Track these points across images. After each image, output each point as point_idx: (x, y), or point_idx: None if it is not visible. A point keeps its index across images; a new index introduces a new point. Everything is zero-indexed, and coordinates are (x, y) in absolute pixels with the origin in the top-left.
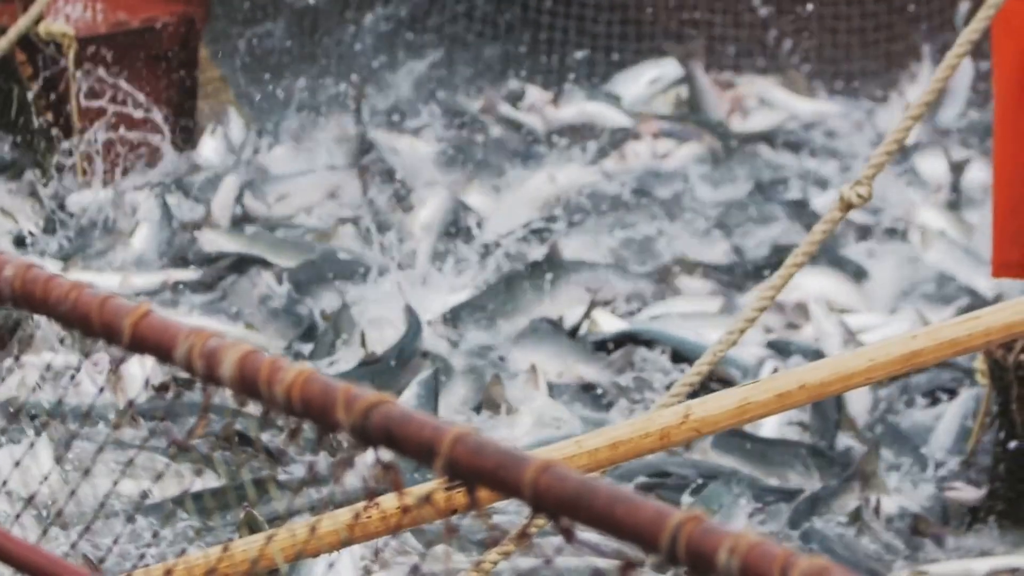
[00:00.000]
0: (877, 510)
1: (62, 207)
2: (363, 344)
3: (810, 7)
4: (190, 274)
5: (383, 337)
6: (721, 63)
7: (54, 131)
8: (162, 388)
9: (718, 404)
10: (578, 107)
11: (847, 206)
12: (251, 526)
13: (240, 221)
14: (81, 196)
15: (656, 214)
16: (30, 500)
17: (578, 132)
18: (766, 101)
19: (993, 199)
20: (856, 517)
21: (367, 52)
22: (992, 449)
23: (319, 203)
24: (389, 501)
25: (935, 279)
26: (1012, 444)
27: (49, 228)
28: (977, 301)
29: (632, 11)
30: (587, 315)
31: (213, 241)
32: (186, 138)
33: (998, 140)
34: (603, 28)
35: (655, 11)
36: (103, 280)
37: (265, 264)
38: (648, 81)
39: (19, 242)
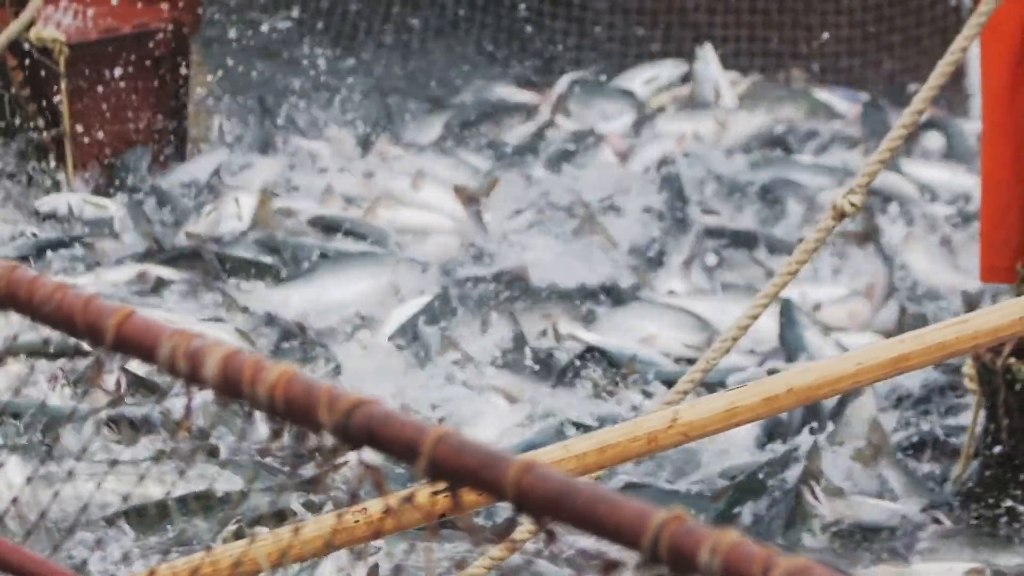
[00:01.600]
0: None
1: (49, 210)
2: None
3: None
4: (164, 271)
5: (348, 351)
6: (724, 62)
7: (45, 136)
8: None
9: (706, 408)
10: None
11: (840, 214)
12: (237, 537)
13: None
14: (62, 200)
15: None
16: (13, 502)
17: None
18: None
19: (981, 205)
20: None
21: (364, 53)
22: (980, 453)
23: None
24: (374, 505)
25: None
26: (997, 448)
27: (39, 231)
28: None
29: (633, 14)
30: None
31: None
32: (176, 143)
33: (986, 146)
34: (604, 31)
35: (656, 12)
36: (79, 279)
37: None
38: (644, 80)
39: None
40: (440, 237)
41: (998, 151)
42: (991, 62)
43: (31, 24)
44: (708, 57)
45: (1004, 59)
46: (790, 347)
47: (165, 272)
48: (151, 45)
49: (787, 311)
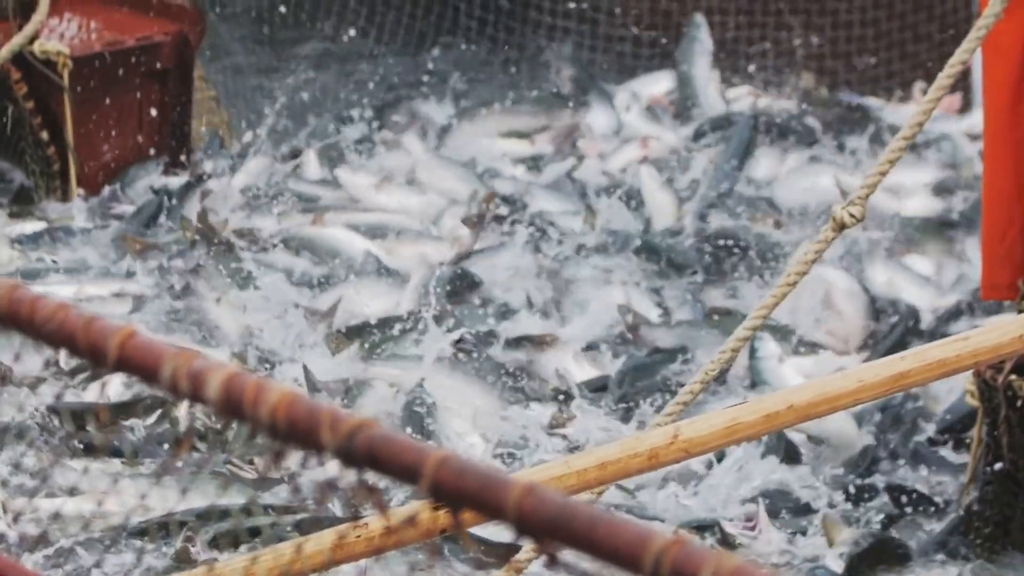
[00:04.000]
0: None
1: (18, 236)
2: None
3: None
4: (136, 287)
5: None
6: (733, 64)
7: (49, 149)
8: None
9: (707, 424)
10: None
11: (840, 226)
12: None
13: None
14: (29, 225)
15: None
16: (15, 520)
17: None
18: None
19: (982, 221)
20: None
21: (366, 67)
22: (980, 470)
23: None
24: (374, 521)
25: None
26: (998, 465)
27: (42, 244)
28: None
29: (647, 15)
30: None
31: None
32: (179, 156)
33: (987, 162)
34: (616, 32)
35: (668, 13)
36: (58, 290)
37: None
38: (654, 92)
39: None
40: (419, 247)
41: (999, 166)
42: (992, 77)
43: (35, 37)
44: (700, 25)
45: (1005, 74)
46: (756, 377)
47: (136, 289)
48: (155, 58)
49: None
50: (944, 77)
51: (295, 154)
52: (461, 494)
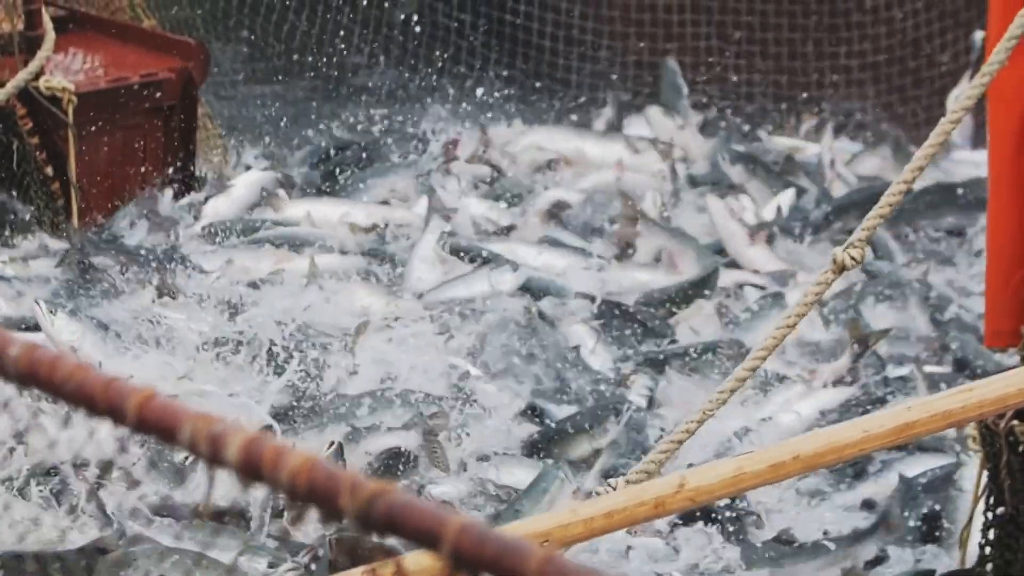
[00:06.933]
0: None
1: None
2: None
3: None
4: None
5: None
6: (733, 107)
7: (53, 184)
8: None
9: (713, 473)
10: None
11: (840, 268)
12: None
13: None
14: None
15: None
16: None
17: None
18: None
19: (986, 267)
20: None
21: (368, 102)
22: (983, 516)
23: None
24: (384, 568)
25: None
26: (1000, 510)
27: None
28: None
29: (647, 54)
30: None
31: None
32: (183, 192)
33: (991, 209)
34: (619, 70)
35: (667, 53)
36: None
37: None
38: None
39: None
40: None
41: (1004, 213)
42: (996, 124)
43: (40, 73)
44: (675, 70)
45: (1009, 121)
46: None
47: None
48: (159, 94)
49: None
50: (946, 123)
51: (281, 184)
52: (481, 561)
